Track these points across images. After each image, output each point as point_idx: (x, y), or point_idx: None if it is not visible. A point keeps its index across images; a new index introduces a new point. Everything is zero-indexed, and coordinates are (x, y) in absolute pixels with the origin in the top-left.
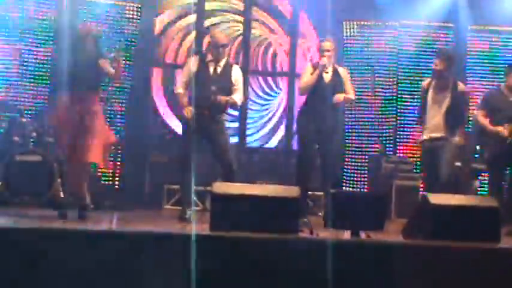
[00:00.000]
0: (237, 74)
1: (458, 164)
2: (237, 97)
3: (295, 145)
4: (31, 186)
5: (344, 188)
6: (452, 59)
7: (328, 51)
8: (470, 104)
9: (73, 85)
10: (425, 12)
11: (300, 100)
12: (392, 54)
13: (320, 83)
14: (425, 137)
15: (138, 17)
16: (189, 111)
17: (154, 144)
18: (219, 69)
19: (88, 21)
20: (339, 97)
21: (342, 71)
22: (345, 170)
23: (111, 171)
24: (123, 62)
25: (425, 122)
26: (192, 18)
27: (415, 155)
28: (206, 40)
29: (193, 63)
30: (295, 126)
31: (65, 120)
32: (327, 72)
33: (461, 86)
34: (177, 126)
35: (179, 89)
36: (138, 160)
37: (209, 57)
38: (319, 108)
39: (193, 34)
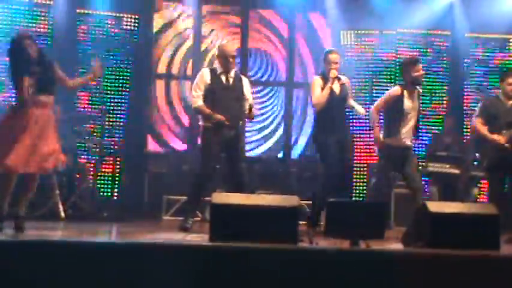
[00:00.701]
0: (247, 84)
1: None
2: (254, 109)
3: (293, 154)
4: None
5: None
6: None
7: (336, 63)
8: (468, 111)
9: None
10: (422, 20)
11: (299, 110)
12: (390, 62)
13: (332, 95)
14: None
15: (137, 29)
16: (220, 117)
17: (153, 154)
18: (231, 80)
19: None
20: (361, 111)
21: (346, 80)
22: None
23: (109, 182)
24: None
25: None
26: (186, 25)
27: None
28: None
29: (206, 76)
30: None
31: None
32: (343, 83)
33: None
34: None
35: (198, 102)
36: (137, 171)
37: (219, 68)
38: (336, 120)
39: (187, 44)
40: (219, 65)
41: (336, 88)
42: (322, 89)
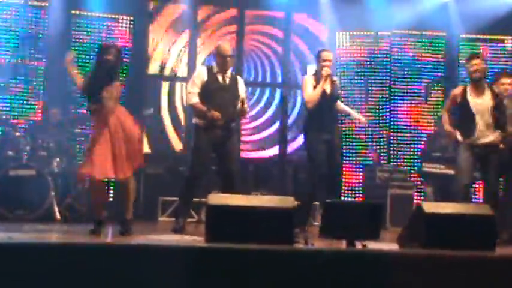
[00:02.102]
0: (242, 85)
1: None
2: (246, 104)
3: (291, 155)
4: (26, 200)
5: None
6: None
7: (330, 61)
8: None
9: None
10: (417, 21)
11: (295, 111)
12: (385, 63)
13: (324, 94)
14: (470, 141)
15: (132, 30)
16: (216, 113)
17: (149, 156)
18: (227, 80)
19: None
20: (361, 119)
21: (337, 80)
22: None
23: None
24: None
25: (471, 130)
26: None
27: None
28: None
29: (203, 74)
30: (302, 140)
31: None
32: (333, 82)
33: (497, 90)
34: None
35: (194, 99)
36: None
37: (216, 68)
38: (326, 120)
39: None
40: (215, 64)
41: (327, 87)
42: (314, 87)
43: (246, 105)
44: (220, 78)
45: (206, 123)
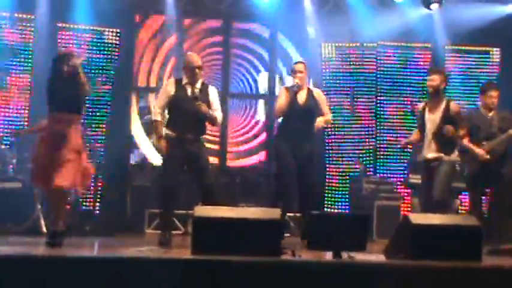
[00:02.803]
0: (213, 94)
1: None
2: (218, 115)
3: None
4: (12, 213)
5: (326, 209)
6: (445, 73)
7: (301, 72)
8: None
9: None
10: (403, 32)
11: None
12: (371, 75)
13: (294, 106)
14: (423, 157)
15: (118, 42)
16: (162, 143)
17: (135, 168)
18: (196, 91)
19: (67, 47)
20: (319, 122)
21: (317, 93)
22: (326, 191)
23: (92, 195)
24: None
25: (424, 145)
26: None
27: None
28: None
29: (170, 87)
30: (272, 149)
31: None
32: (302, 94)
33: (453, 106)
34: (152, 154)
35: (157, 116)
36: (119, 184)
37: (185, 79)
38: (295, 131)
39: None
40: (185, 76)
41: (301, 98)
42: (288, 99)
43: (213, 113)
44: (189, 90)
45: (175, 135)
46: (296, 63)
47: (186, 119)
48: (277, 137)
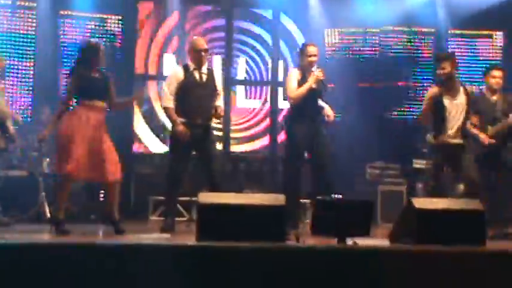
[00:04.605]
0: (219, 79)
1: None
2: (222, 103)
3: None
4: (17, 201)
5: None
6: (454, 58)
7: (316, 55)
8: None
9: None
10: (406, 17)
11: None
12: (374, 60)
13: (310, 90)
14: (446, 141)
15: (120, 30)
16: (181, 128)
17: (139, 155)
18: (204, 76)
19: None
20: (331, 115)
21: (322, 73)
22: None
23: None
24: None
25: (445, 130)
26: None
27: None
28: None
29: (179, 73)
30: (283, 133)
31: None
32: (322, 77)
33: (470, 89)
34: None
35: (168, 103)
36: (123, 172)
37: (192, 65)
38: (310, 114)
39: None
40: (191, 60)
41: (314, 84)
42: (299, 82)
43: (220, 111)
44: (197, 75)
45: (184, 121)
46: (308, 44)
47: (195, 105)
48: (290, 121)
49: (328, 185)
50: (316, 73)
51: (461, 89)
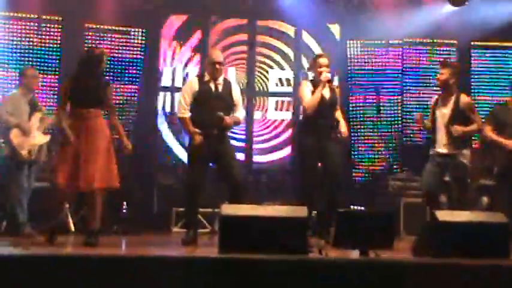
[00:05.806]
0: (236, 89)
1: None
2: (241, 114)
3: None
4: (40, 212)
5: (352, 206)
6: (456, 67)
7: (327, 66)
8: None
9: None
10: (428, 29)
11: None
12: (397, 72)
13: (322, 100)
14: (434, 151)
15: (144, 42)
16: (198, 138)
17: (162, 166)
18: (220, 87)
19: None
20: (344, 132)
21: (336, 87)
22: (353, 187)
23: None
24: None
25: (434, 140)
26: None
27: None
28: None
29: (194, 84)
30: (295, 143)
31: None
32: (334, 87)
33: (464, 99)
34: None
35: (184, 114)
36: (146, 183)
37: (207, 76)
38: (321, 125)
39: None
40: (206, 72)
41: (326, 93)
42: (313, 92)
43: (237, 117)
44: (212, 86)
45: (201, 132)
46: (319, 55)
47: (210, 116)
48: (301, 132)
49: (331, 196)
50: (324, 78)
51: (453, 97)
